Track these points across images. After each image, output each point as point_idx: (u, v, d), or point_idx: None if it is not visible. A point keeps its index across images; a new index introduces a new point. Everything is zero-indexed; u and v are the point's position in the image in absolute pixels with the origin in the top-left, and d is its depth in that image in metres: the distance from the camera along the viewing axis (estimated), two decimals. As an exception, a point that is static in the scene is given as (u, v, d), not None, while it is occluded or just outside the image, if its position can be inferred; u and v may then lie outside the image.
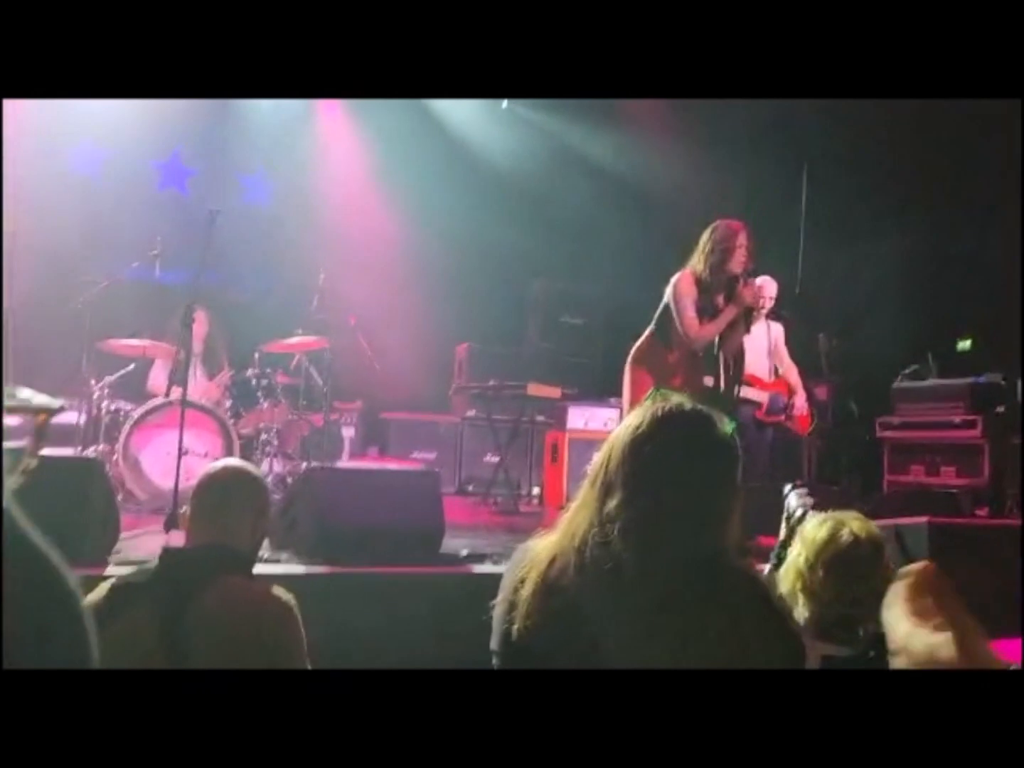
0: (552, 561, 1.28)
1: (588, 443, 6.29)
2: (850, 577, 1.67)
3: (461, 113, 7.85)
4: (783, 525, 2.06)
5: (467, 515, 5.49)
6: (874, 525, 1.78)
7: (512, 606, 1.29)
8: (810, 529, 1.77)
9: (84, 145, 7.16)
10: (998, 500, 5.30)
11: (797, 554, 1.74)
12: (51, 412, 0.78)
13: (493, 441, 6.37)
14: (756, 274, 4.19)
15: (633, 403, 3.83)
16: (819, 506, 1.99)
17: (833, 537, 1.72)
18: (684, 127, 7.13)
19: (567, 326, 7.82)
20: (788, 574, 1.74)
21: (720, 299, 4.01)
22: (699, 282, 3.97)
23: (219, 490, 1.88)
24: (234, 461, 2.11)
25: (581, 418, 6.48)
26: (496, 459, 6.36)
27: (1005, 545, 3.64)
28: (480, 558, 3.20)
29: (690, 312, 3.94)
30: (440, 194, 7.57)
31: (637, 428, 1.28)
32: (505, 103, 8.12)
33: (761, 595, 1.28)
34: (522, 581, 1.29)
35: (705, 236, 4.03)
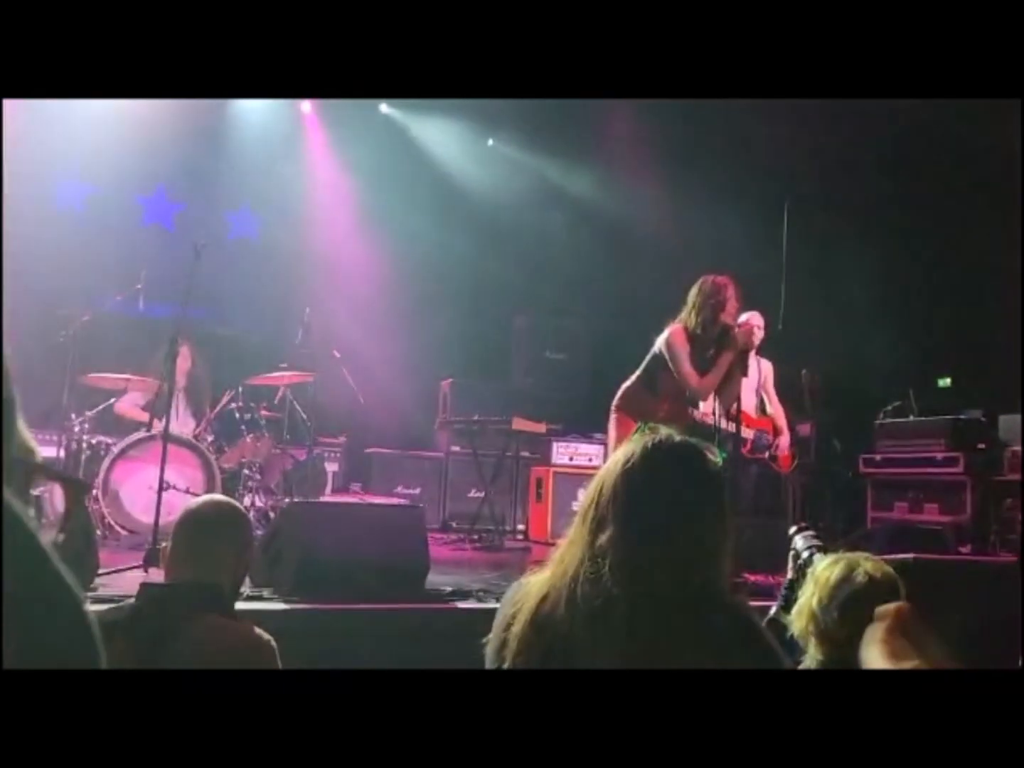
0: (544, 597, 1.27)
1: (573, 478, 6.29)
2: (865, 618, 1.65)
3: (447, 150, 7.94)
4: (790, 566, 2.04)
5: (451, 551, 5.45)
6: (887, 566, 1.76)
7: (503, 643, 1.27)
8: (823, 570, 1.74)
9: (68, 179, 7.16)
10: (982, 537, 5.32)
11: (810, 595, 1.71)
12: (82, 491, 0.82)
13: (478, 476, 6.34)
14: (741, 311, 4.23)
15: (618, 446, 3.82)
16: (826, 547, 1.98)
17: (847, 578, 1.69)
18: (666, 165, 7.23)
19: (551, 361, 7.84)
20: (801, 616, 1.71)
21: (712, 350, 4.06)
22: (691, 336, 4.04)
23: (201, 526, 1.86)
24: (217, 497, 2.09)
25: (566, 453, 6.48)
26: (481, 494, 6.33)
27: (990, 581, 3.65)
28: (465, 595, 3.16)
29: (687, 366, 4.00)
30: (425, 230, 7.62)
31: (627, 462, 1.28)
32: (491, 141, 8.22)
33: (754, 632, 1.27)
34: (513, 617, 1.28)
35: (694, 292, 4.09)
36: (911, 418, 6.10)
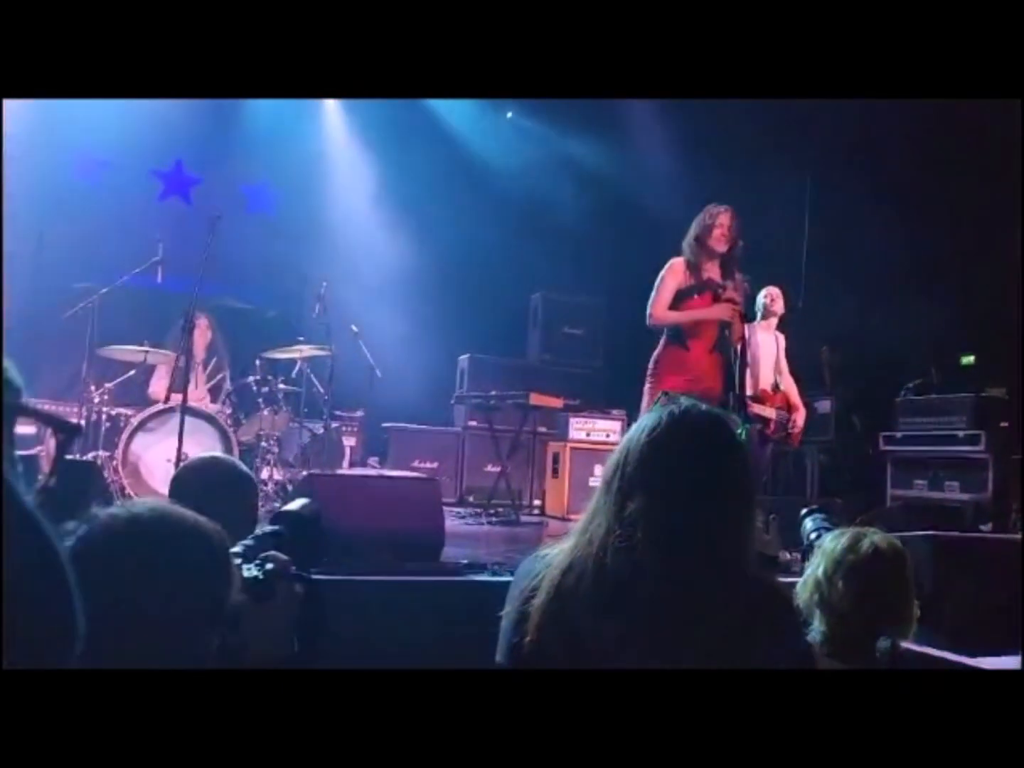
0: (567, 569, 1.24)
1: (590, 454, 6.28)
2: (869, 589, 1.64)
3: (464, 124, 7.88)
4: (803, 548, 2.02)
5: (467, 525, 5.47)
6: (895, 539, 1.75)
7: (524, 616, 1.24)
8: (830, 540, 1.74)
9: (84, 153, 7.16)
10: (1003, 515, 5.27)
11: (816, 565, 1.71)
12: (72, 433, 0.79)
13: (494, 451, 6.34)
14: (734, 241, 4.14)
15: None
16: (835, 528, 1.96)
17: (853, 548, 1.69)
18: (687, 139, 7.14)
19: (568, 337, 7.81)
20: (806, 585, 1.70)
21: (696, 293, 4.07)
22: (689, 267, 4.06)
23: (198, 480, 1.87)
24: (216, 453, 2.11)
25: (583, 429, 6.46)
26: (497, 469, 6.34)
27: (1010, 560, 3.62)
28: (480, 568, 3.17)
29: (665, 294, 4.04)
30: (442, 205, 7.58)
31: (654, 429, 1.25)
32: (510, 113, 8.14)
33: (783, 607, 1.25)
34: (534, 590, 1.25)
35: (696, 221, 4.15)
36: (933, 395, 6.03)
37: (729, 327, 4.07)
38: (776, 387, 4.96)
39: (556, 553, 1.29)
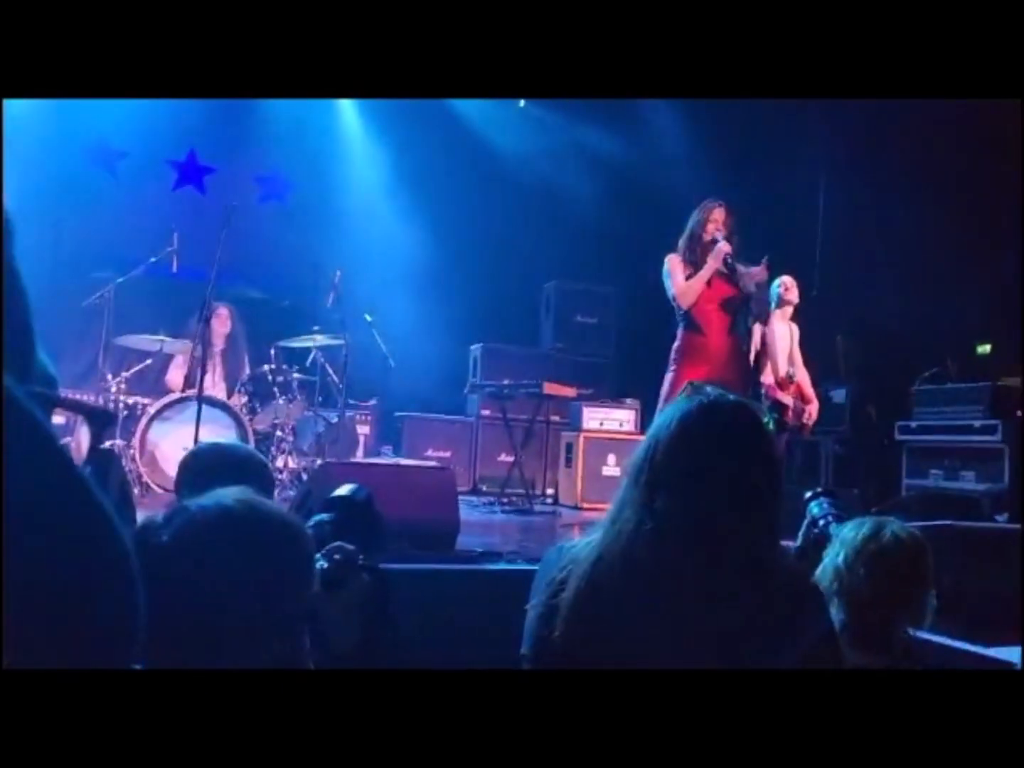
0: (596, 562, 1.22)
1: (604, 443, 6.28)
2: (891, 577, 1.64)
3: (477, 113, 7.85)
4: (801, 533, 2.01)
5: (481, 514, 5.48)
6: (915, 530, 1.75)
7: (552, 610, 1.23)
8: (849, 529, 1.73)
9: (98, 143, 7.19)
10: (1019, 505, 5.24)
11: (835, 554, 1.70)
12: (106, 421, 0.80)
13: (508, 440, 6.35)
14: (727, 234, 4.22)
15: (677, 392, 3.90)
16: (843, 516, 1.95)
17: (875, 536, 1.68)
18: (701, 126, 7.10)
19: (581, 325, 7.80)
20: (825, 573, 1.70)
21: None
22: (684, 261, 4.20)
23: (202, 466, 1.87)
24: (222, 439, 2.11)
25: (596, 418, 6.46)
26: (510, 459, 6.35)
27: (1026, 550, 3.59)
28: (495, 557, 3.19)
29: (679, 277, 4.18)
30: (455, 194, 7.57)
31: (683, 420, 1.25)
32: (522, 102, 8.11)
33: (812, 594, 1.25)
34: (563, 583, 1.23)
35: (691, 217, 4.28)
36: (949, 385, 5.99)
37: (746, 313, 4.15)
38: (790, 377, 4.95)
39: (584, 545, 1.28)
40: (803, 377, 5.01)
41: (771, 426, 1.29)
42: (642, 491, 1.23)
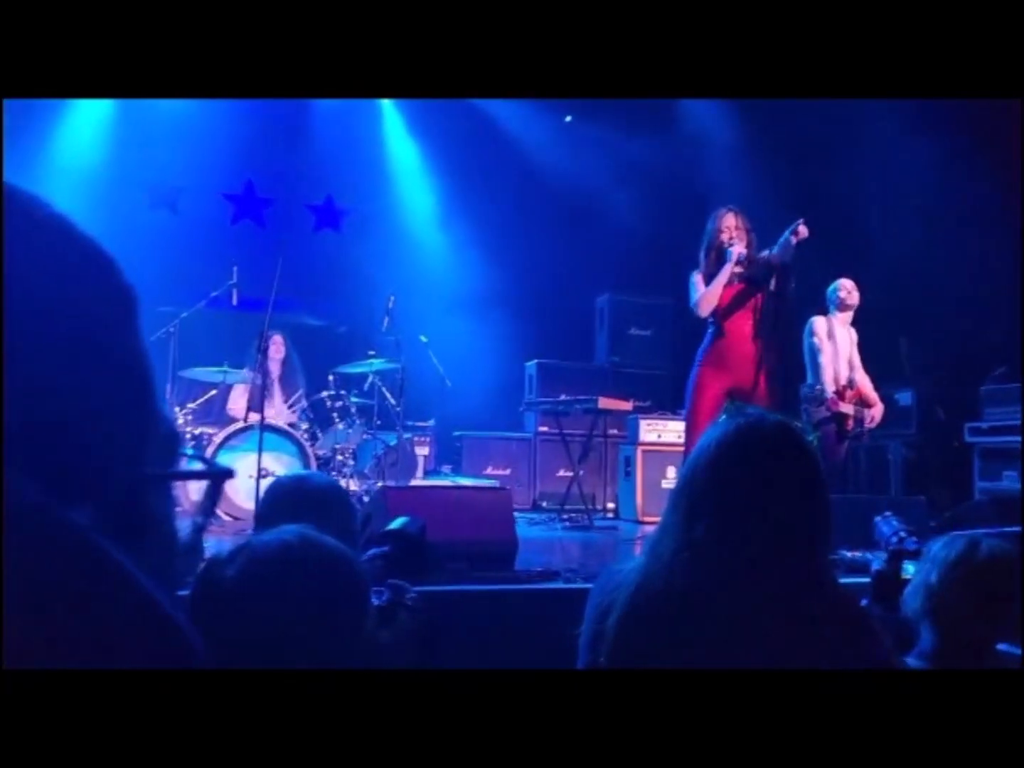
0: (639, 589, 1.22)
1: (662, 455, 6.22)
2: (988, 595, 1.59)
3: (524, 130, 7.91)
4: (885, 559, 1.94)
5: (541, 531, 5.48)
6: (1006, 543, 1.70)
7: (599, 635, 1.23)
8: (941, 547, 1.67)
9: (158, 181, 7.43)
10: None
11: (926, 573, 1.65)
12: (225, 478, 0.79)
13: (566, 456, 6.35)
14: (744, 237, 4.23)
15: (699, 404, 4.03)
16: (912, 531, 1.90)
17: (969, 554, 1.63)
18: (748, 134, 7.03)
19: (636, 338, 7.76)
20: (916, 594, 1.65)
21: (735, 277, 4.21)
22: (704, 272, 4.22)
23: (285, 499, 1.89)
24: (307, 471, 2.14)
25: (654, 431, 6.42)
26: (569, 474, 6.34)
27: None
28: (553, 576, 3.18)
29: (700, 288, 4.19)
30: (506, 212, 7.63)
31: (719, 446, 1.22)
32: (569, 117, 8.14)
33: (864, 624, 1.22)
34: (608, 608, 1.23)
35: (705, 228, 4.31)
36: (1020, 383, 5.78)
37: (769, 315, 4.13)
38: (851, 383, 4.85)
39: (630, 570, 1.27)
40: (864, 381, 4.91)
41: (815, 444, 1.26)
42: (682, 517, 1.22)
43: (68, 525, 0.50)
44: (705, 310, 4.13)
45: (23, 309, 0.53)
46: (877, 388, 5.03)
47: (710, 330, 4.21)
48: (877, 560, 1.92)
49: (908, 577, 1.77)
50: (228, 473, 0.81)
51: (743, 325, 4.11)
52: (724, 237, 4.16)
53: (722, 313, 4.14)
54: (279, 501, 1.91)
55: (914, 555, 1.79)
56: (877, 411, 4.81)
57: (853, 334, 4.96)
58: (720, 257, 4.16)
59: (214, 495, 0.80)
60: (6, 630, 0.42)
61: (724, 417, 1.28)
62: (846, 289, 4.92)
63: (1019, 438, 5.62)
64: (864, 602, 1.80)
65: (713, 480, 1.21)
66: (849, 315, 4.97)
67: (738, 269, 4.14)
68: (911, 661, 1.61)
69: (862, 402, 4.83)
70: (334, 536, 1.84)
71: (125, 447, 0.60)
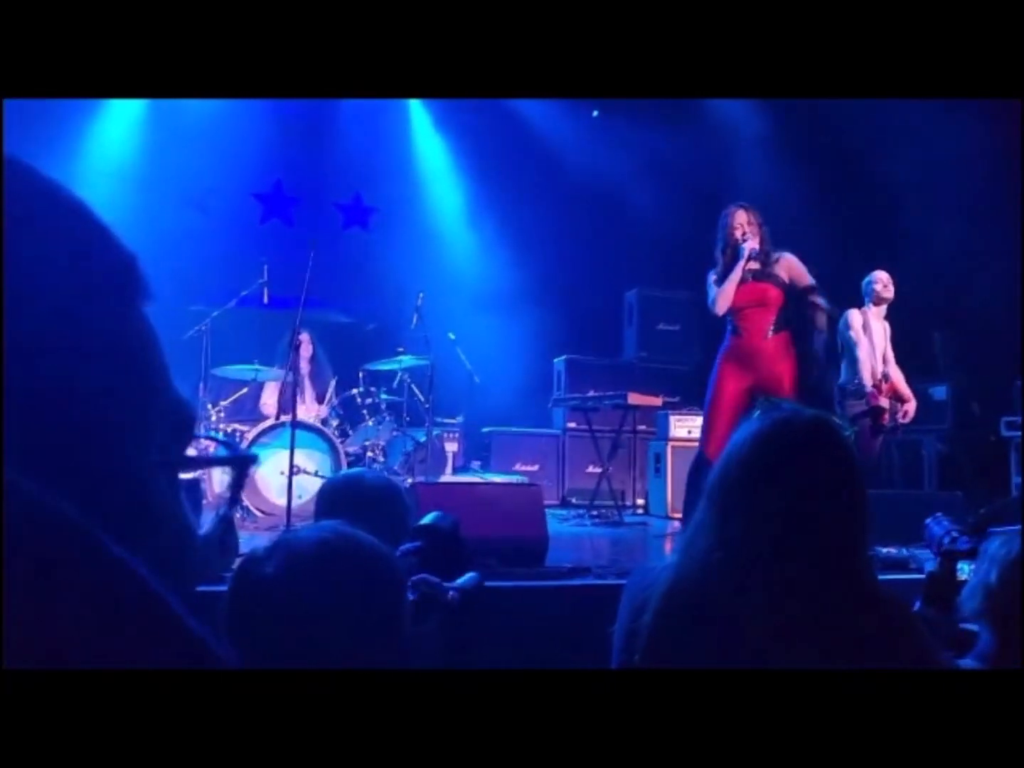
0: (673, 586, 1.21)
1: (692, 451, 6.17)
2: None
3: (551, 126, 7.89)
4: (934, 559, 1.90)
5: (571, 527, 5.48)
6: None
7: (633, 634, 1.22)
8: (999, 546, 1.63)
9: (190, 181, 7.51)
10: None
11: (985, 573, 1.61)
12: (250, 464, 0.75)
13: (595, 452, 6.33)
14: (757, 234, 4.22)
15: (717, 404, 4.04)
16: (965, 530, 1.86)
17: None
18: (778, 126, 6.96)
19: (664, 334, 7.72)
20: (975, 595, 1.61)
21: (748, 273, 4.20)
22: (720, 271, 4.22)
23: (345, 498, 1.90)
24: (363, 470, 2.15)
25: (684, 426, 6.38)
26: (598, 470, 6.33)
27: None
28: (584, 572, 3.18)
29: (716, 286, 4.19)
30: (531, 208, 7.62)
31: (755, 440, 1.20)
32: (596, 112, 8.11)
33: (906, 624, 1.19)
34: (642, 607, 1.22)
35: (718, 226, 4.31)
36: (1020, 383, 5.68)
37: (796, 305, 4.17)
38: (885, 377, 4.79)
39: (663, 568, 1.26)
40: (897, 375, 4.84)
41: (852, 438, 1.23)
42: (715, 515, 1.20)
43: (59, 516, 0.47)
44: (722, 308, 4.11)
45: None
46: (910, 383, 4.97)
47: (728, 328, 4.20)
48: (929, 562, 1.87)
49: (964, 578, 1.73)
50: (251, 458, 0.78)
51: (760, 321, 4.08)
52: (737, 234, 4.14)
53: (738, 310, 4.13)
54: (336, 500, 1.93)
55: (968, 555, 1.75)
56: (911, 406, 4.75)
57: (887, 328, 4.90)
58: (735, 254, 4.14)
59: (239, 481, 0.75)
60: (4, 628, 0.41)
61: (757, 412, 1.26)
62: (882, 282, 4.86)
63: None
64: (916, 605, 1.76)
65: (747, 477, 1.19)
66: (884, 308, 4.91)
67: (754, 265, 4.12)
68: (968, 663, 1.58)
69: (896, 397, 4.77)
70: (389, 534, 1.86)
71: (123, 433, 0.55)
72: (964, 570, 1.75)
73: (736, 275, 4.07)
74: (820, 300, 4.17)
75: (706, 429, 4.16)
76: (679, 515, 5.78)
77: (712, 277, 4.22)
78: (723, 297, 4.07)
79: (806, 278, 4.17)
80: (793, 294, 4.17)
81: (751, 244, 4.08)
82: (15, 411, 0.46)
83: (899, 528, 3.41)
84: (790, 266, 4.15)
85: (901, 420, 4.72)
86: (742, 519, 1.17)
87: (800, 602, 1.14)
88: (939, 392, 6.36)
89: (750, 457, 1.20)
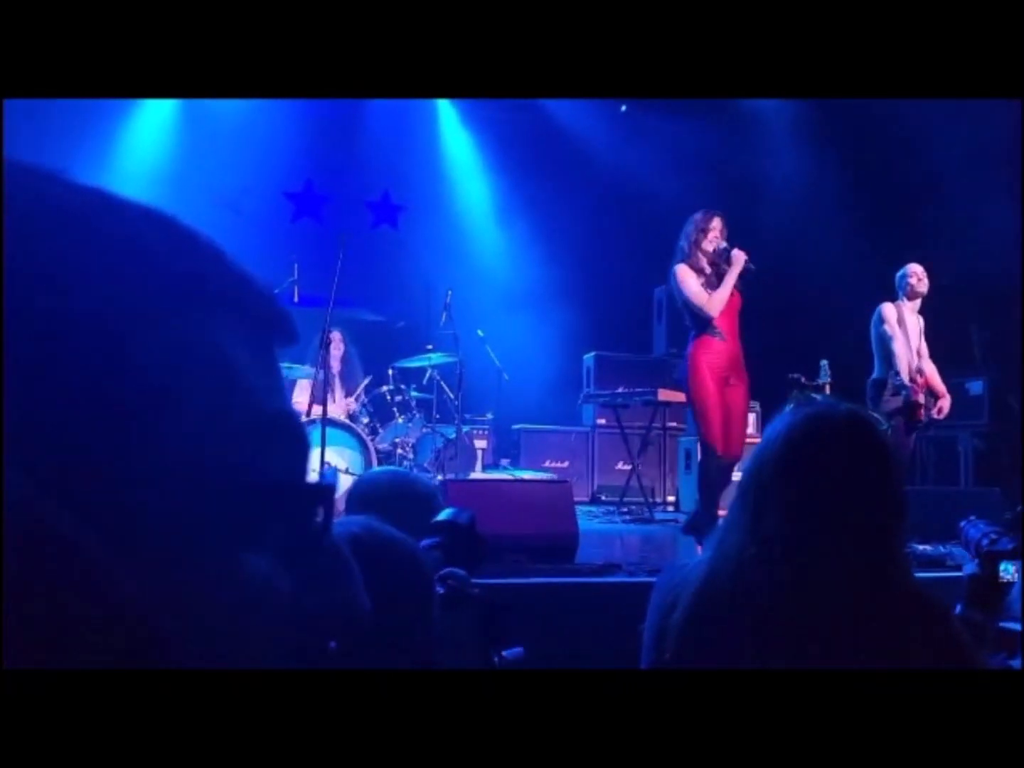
0: (704, 585, 1.19)
1: (723, 448, 6.14)
2: None
3: (579, 122, 7.87)
4: (972, 562, 1.86)
5: (601, 524, 5.46)
6: None
7: (663, 632, 1.21)
8: None
9: (222, 178, 7.59)
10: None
11: None
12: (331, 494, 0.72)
13: (624, 449, 6.31)
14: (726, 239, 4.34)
15: (698, 402, 4.21)
16: (1005, 532, 1.82)
17: None
18: (810, 118, 6.88)
19: (695, 329, 7.66)
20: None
21: (714, 276, 4.29)
22: (692, 267, 4.27)
23: (376, 495, 1.92)
24: (394, 468, 2.17)
25: (714, 423, 6.32)
26: (628, 467, 6.30)
27: None
28: (615, 569, 3.17)
29: (695, 287, 4.24)
30: (560, 204, 7.60)
31: (790, 435, 1.18)
32: (624, 107, 8.07)
33: (944, 624, 1.17)
34: (673, 606, 1.21)
35: (686, 227, 4.40)
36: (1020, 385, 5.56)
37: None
38: (919, 371, 4.72)
39: (694, 567, 1.25)
40: (931, 370, 4.77)
41: (889, 433, 1.21)
42: (749, 512, 1.18)
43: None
44: (716, 312, 4.23)
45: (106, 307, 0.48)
46: (944, 377, 4.89)
47: (701, 333, 4.31)
48: (968, 564, 1.83)
49: (1007, 579, 1.69)
50: (331, 490, 0.75)
51: (734, 325, 4.31)
52: (712, 237, 4.30)
53: (721, 315, 4.29)
54: (363, 498, 1.94)
55: (1011, 555, 1.72)
56: (945, 402, 4.67)
57: (921, 322, 4.83)
58: (720, 257, 4.28)
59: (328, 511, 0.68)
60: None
61: (791, 407, 1.24)
62: (916, 275, 4.78)
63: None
64: (958, 608, 1.72)
65: (782, 473, 1.17)
66: (918, 302, 4.84)
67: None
68: (1017, 664, 1.55)
69: (930, 392, 4.70)
70: (415, 529, 1.87)
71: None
72: (1009, 571, 1.72)
73: (731, 280, 4.22)
74: None
75: (706, 430, 4.22)
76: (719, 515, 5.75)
77: (685, 271, 4.28)
78: (720, 302, 4.22)
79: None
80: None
81: (739, 254, 4.22)
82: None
83: (935, 525, 3.37)
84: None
85: (935, 416, 4.65)
86: (776, 515, 1.15)
87: (836, 599, 1.12)
88: (975, 387, 6.25)
89: (785, 452, 1.18)
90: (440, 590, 1.43)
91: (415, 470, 5.74)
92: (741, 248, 4.29)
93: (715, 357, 4.24)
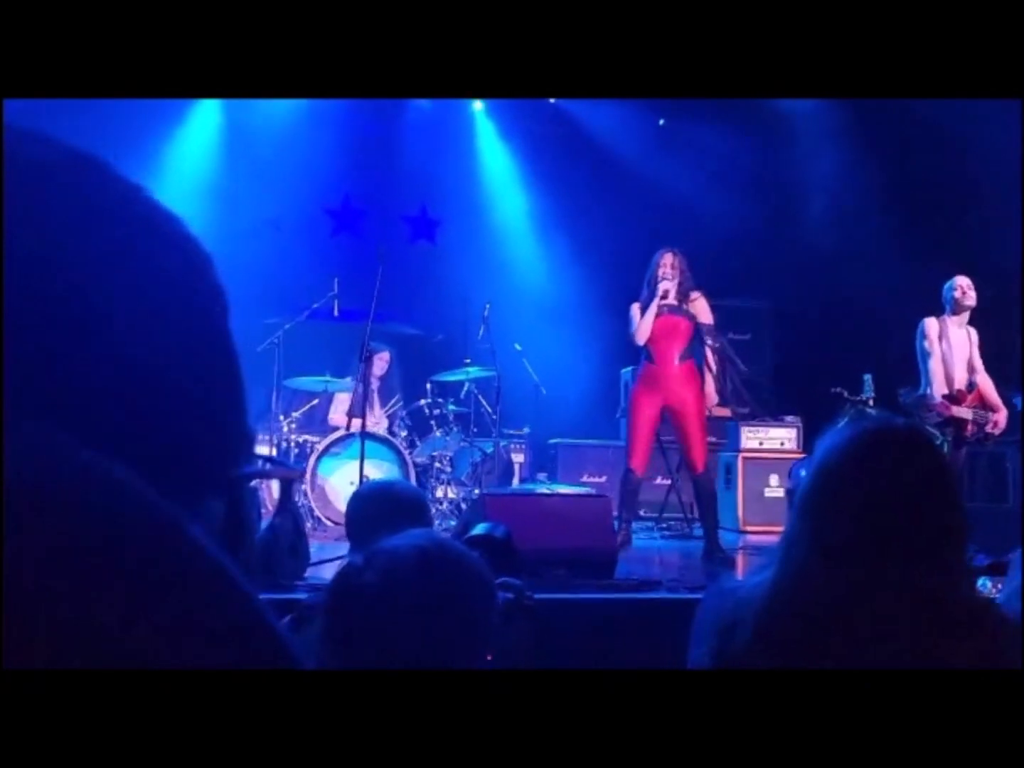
0: (772, 603, 1.16)
1: (764, 463, 6.06)
2: None
3: (617, 136, 7.87)
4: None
5: (640, 540, 5.41)
6: None
7: (722, 655, 1.17)
8: None
9: (264, 195, 7.70)
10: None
11: None
12: (293, 478, 0.75)
13: (663, 464, 6.25)
14: (678, 276, 4.67)
15: (636, 421, 4.68)
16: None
17: None
18: (849, 128, 6.80)
19: (734, 342, 7.55)
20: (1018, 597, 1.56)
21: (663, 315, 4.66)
22: (641, 303, 4.68)
23: (365, 506, 1.95)
24: (388, 478, 2.20)
25: (755, 438, 6.26)
26: (667, 482, 6.24)
27: None
28: (655, 585, 3.14)
29: (636, 319, 4.66)
30: (598, 218, 7.59)
31: (850, 448, 1.19)
32: (662, 121, 8.06)
33: (1001, 633, 1.15)
34: (732, 629, 1.18)
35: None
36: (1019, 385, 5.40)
37: (701, 339, 4.65)
38: (971, 386, 4.61)
39: (754, 585, 1.22)
40: (986, 383, 4.66)
41: (945, 448, 1.21)
42: (811, 526, 1.17)
43: (167, 516, 0.47)
44: (641, 339, 4.61)
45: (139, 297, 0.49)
46: (1000, 392, 4.78)
47: (643, 355, 4.72)
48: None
49: (985, 593, 1.68)
50: (299, 475, 0.80)
51: (669, 350, 4.59)
52: (659, 272, 4.66)
53: (653, 340, 4.62)
54: (365, 511, 1.96)
55: (987, 571, 1.70)
56: (1001, 416, 4.56)
57: (973, 335, 4.71)
58: (652, 291, 4.66)
59: (286, 492, 0.78)
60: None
61: (845, 420, 1.23)
62: (961, 289, 4.69)
63: None
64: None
65: (844, 486, 1.17)
66: (965, 316, 4.74)
67: (671, 301, 4.60)
68: None
69: (984, 406, 4.59)
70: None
71: (226, 444, 0.57)
72: (987, 586, 1.69)
73: (651, 312, 4.58)
74: (709, 339, 4.72)
75: (628, 444, 4.78)
76: (751, 528, 5.67)
77: (634, 309, 4.70)
78: (643, 330, 4.59)
79: (706, 317, 4.70)
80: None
81: (664, 285, 4.59)
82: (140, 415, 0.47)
83: (981, 541, 3.29)
84: (699, 306, 4.68)
85: (990, 430, 4.54)
86: (841, 529, 1.15)
87: (900, 613, 1.11)
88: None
89: (850, 464, 1.18)
90: (506, 596, 1.44)
91: (452, 484, 5.75)
92: (698, 283, 4.74)
93: (647, 379, 4.67)
